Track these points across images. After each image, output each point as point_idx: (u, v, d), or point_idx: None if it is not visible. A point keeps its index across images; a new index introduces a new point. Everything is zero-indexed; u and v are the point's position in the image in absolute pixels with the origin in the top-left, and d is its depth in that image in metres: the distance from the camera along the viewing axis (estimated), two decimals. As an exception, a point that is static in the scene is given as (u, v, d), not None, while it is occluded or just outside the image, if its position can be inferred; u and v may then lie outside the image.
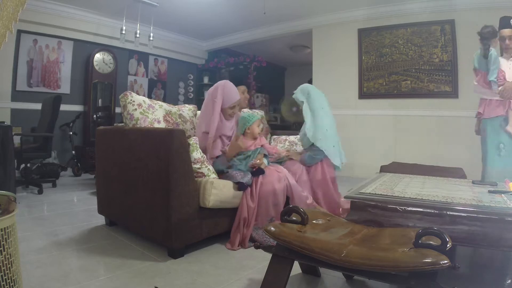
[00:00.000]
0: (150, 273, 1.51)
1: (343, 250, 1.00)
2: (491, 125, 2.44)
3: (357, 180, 2.26)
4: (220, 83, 2.14)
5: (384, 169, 2.52)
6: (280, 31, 5.58)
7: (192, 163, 1.79)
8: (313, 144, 2.35)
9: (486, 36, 2.39)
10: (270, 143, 2.80)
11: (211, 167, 1.93)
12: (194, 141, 1.84)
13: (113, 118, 5.11)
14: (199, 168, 1.84)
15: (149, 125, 2.03)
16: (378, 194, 1.41)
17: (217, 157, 2.10)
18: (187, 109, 2.40)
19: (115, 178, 2.07)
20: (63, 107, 3.73)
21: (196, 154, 1.83)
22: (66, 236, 1.99)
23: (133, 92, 2.13)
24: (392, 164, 2.77)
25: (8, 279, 0.91)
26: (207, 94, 2.16)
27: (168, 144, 1.64)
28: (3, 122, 2.91)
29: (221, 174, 1.98)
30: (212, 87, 2.14)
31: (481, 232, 1.17)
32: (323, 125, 2.37)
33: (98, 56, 5.08)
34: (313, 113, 2.41)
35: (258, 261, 1.66)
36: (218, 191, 1.77)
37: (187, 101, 6.69)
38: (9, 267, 0.92)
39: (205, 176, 1.86)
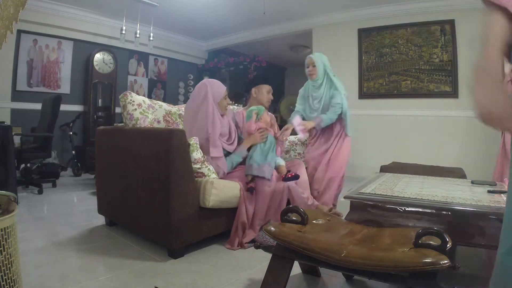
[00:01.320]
0: (150, 273, 1.51)
1: (343, 250, 1.00)
2: None
3: (357, 180, 2.26)
4: (202, 82, 2.12)
5: (384, 169, 2.52)
6: (280, 31, 5.58)
7: (192, 163, 1.79)
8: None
9: None
10: None
11: (211, 167, 1.92)
12: (194, 141, 1.84)
13: (113, 118, 5.11)
14: (199, 168, 1.84)
15: (149, 125, 2.03)
16: (378, 194, 1.41)
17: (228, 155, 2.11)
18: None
19: (115, 178, 2.07)
20: (63, 107, 3.72)
21: (196, 154, 1.83)
22: (66, 236, 1.99)
23: (133, 92, 2.13)
24: (392, 164, 2.78)
25: (8, 279, 0.91)
26: (193, 99, 2.10)
27: (168, 144, 1.64)
28: (3, 122, 2.91)
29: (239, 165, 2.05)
30: (195, 91, 2.11)
31: (480, 232, 1.17)
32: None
33: (98, 56, 5.08)
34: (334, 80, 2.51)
35: (258, 261, 1.66)
36: (218, 191, 1.77)
37: (187, 101, 6.68)
38: (9, 267, 0.92)
39: (205, 176, 1.86)
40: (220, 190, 1.78)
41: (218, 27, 5.72)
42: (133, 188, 1.88)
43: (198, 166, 1.84)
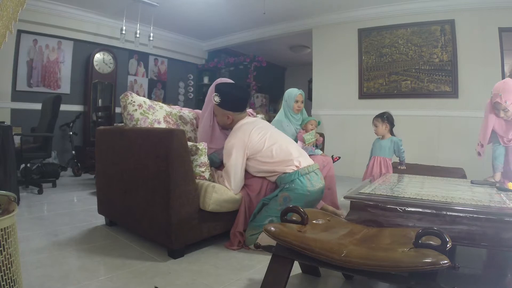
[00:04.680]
0: (150, 273, 1.51)
1: (343, 250, 1.00)
2: None
3: (357, 180, 2.27)
4: (217, 81, 2.16)
5: (384, 169, 2.52)
6: (280, 31, 5.57)
7: (198, 166, 1.83)
8: None
9: None
10: None
11: (213, 172, 1.95)
12: (203, 146, 1.86)
13: (113, 118, 5.11)
14: (203, 172, 1.86)
15: (149, 125, 2.03)
16: (377, 194, 1.41)
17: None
18: (187, 111, 2.41)
19: (115, 178, 2.07)
20: (63, 107, 3.72)
21: (204, 158, 1.86)
22: (66, 236, 1.99)
23: (133, 92, 2.13)
24: (392, 164, 2.77)
25: (8, 279, 0.91)
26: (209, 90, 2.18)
27: (168, 144, 1.64)
28: (3, 122, 2.91)
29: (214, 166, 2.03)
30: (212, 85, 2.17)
31: (480, 232, 1.17)
32: None
33: (98, 56, 5.08)
34: None
35: (258, 261, 1.66)
36: (219, 195, 1.76)
37: (187, 101, 6.69)
38: (9, 267, 0.92)
39: (206, 179, 1.87)
40: (221, 195, 1.78)
41: (218, 27, 5.72)
42: (133, 188, 1.88)
43: (203, 169, 1.86)
